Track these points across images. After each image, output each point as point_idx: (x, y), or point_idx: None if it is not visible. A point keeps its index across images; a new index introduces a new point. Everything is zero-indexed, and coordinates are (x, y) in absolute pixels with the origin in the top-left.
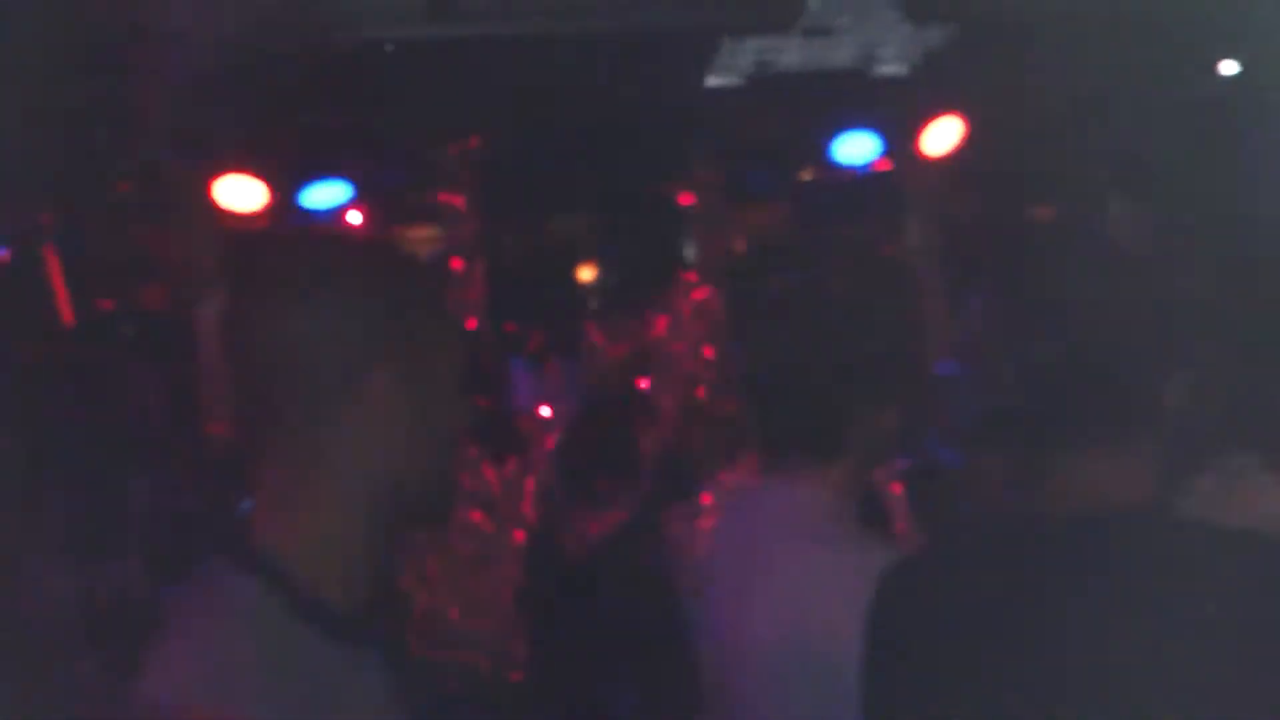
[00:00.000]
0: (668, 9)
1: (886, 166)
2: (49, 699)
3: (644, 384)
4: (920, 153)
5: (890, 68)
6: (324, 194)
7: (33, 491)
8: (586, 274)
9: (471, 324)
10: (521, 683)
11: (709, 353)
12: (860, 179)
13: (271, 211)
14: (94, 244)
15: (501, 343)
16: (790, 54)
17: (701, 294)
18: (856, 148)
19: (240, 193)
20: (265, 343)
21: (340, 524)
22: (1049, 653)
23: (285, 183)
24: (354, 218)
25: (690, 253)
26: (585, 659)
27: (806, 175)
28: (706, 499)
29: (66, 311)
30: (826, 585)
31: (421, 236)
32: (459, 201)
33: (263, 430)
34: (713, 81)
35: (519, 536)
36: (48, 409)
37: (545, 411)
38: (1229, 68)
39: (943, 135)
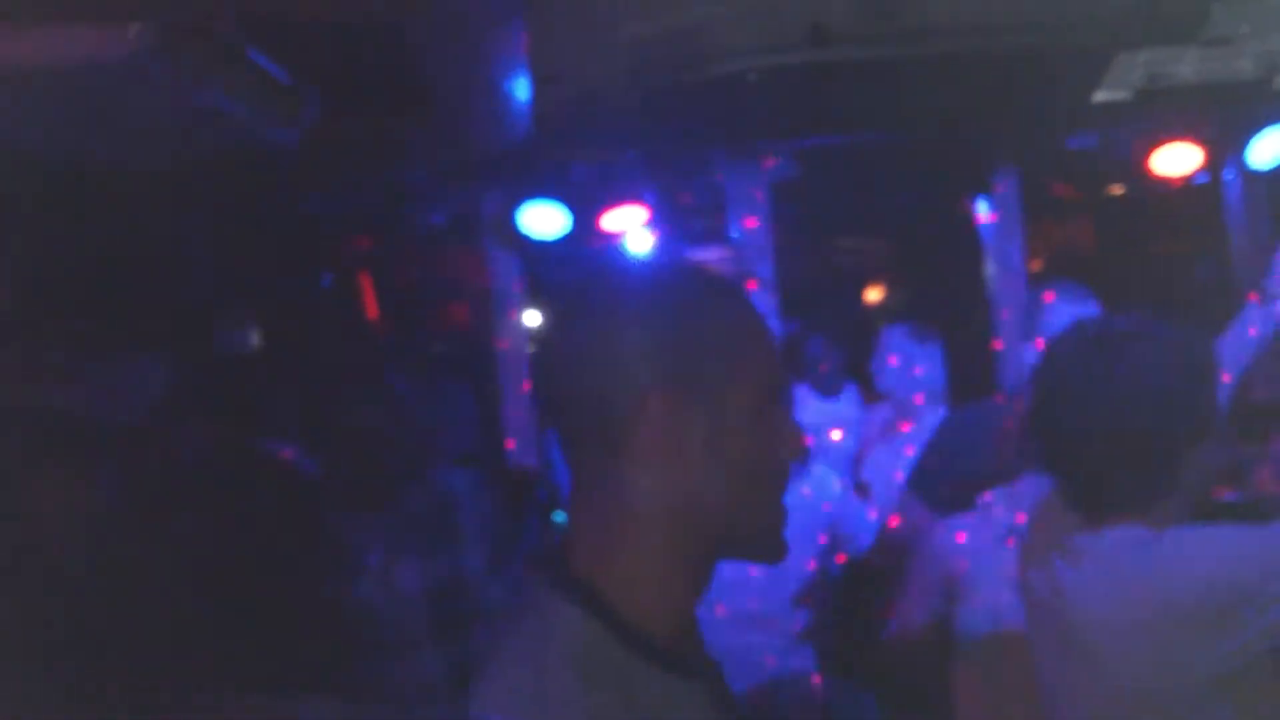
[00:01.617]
0: (1061, 25)
1: (1206, 180)
2: (396, 689)
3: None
4: (1246, 165)
5: None
6: (621, 218)
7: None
8: (875, 295)
9: None
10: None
11: None
12: (1175, 193)
13: (572, 236)
14: (406, 268)
15: (793, 367)
16: (1185, 66)
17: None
18: (1174, 160)
19: (543, 218)
20: (569, 366)
21: (650, 555)
22: None
23: (586, 207)
24: (646, 240)
25: (990, 271)
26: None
27: (1116, 189)
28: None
29: (380, 331)
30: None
31: (712, 258)
32: (752, 223)
33: (583, 455)
34: (1101, 96)
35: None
36: (361, 422)
37: (837, 435)
38: None
39: (1273, 147)
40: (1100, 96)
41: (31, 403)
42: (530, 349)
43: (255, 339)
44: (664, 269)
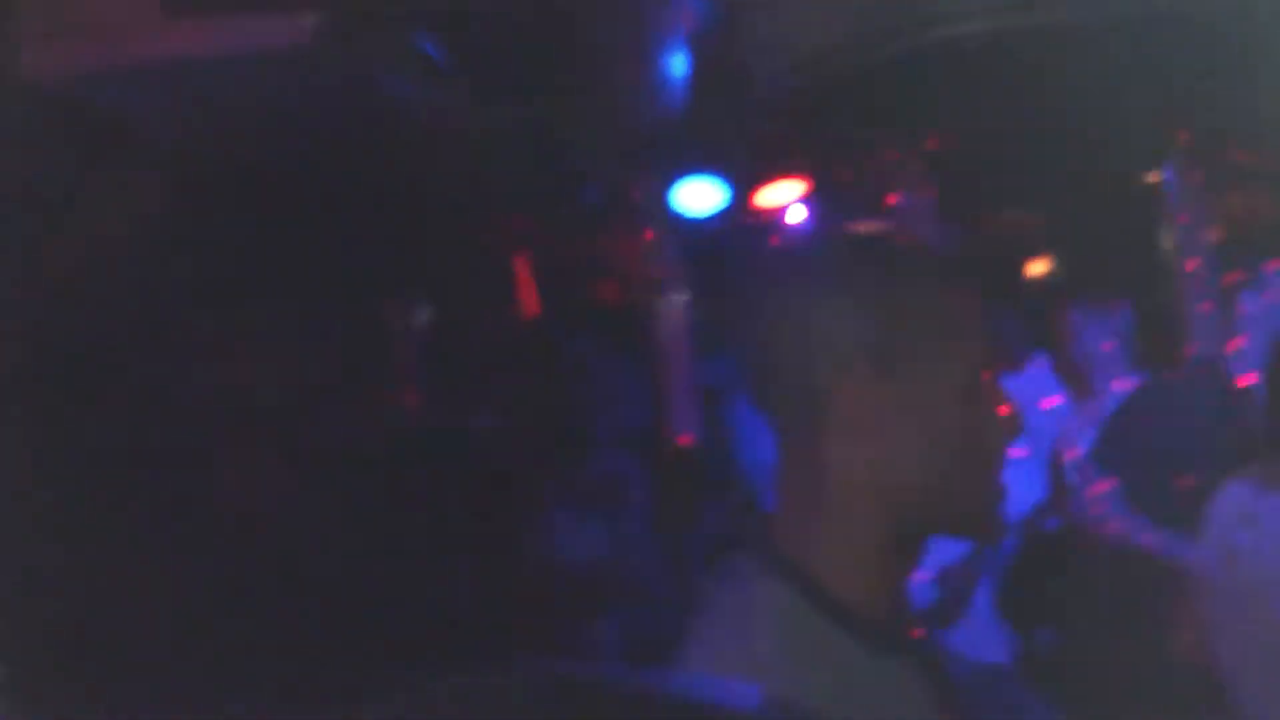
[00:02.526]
0: None
1: None
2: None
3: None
4: None
5: None
6: (780, 192)
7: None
8: (1049, 267)
9: None
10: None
11: None
12: None
13: (730, 212)
14: (563, 247)
15: None
16: None
17: None
18: None
19: (700, 194)
20: (771, 337)
21: (853, 529)
22: None
23: (743, 184)
24: (800, 214)
25: (1166, 241)
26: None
27: None
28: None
29: (534, 309)
30: None
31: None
32: (914, 196)
33: (786, 427)
34: None
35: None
36: (514, 401)
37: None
38: None
39: None
40: None
41: (221, 382)
42: (694, 326)
43: (426, 314)
44: (867, 239)
